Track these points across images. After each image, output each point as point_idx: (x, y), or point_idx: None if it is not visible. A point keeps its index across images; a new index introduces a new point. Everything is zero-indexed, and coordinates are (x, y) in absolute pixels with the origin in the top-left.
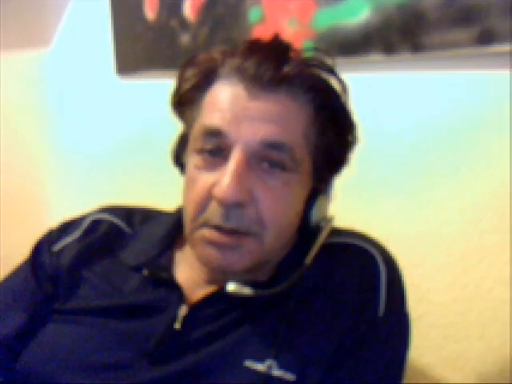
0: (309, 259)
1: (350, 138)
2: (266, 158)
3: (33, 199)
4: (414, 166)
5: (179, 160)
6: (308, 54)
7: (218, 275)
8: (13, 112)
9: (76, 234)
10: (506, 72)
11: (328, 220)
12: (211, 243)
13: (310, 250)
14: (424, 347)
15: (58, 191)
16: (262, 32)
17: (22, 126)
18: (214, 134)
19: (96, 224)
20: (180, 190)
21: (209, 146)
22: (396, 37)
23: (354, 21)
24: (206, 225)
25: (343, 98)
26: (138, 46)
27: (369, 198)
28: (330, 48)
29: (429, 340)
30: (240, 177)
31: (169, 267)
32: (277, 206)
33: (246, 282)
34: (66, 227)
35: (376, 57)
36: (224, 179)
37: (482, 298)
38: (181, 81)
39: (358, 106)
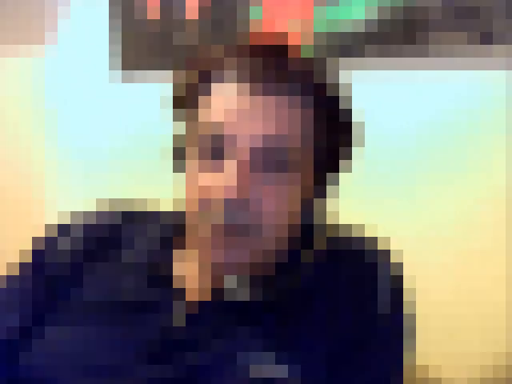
0: (309, 259)
1: (350, 138)
2: (266, 158)
3: (31, 199)
4: (415, 167)
5: (179, 160)
6: (308, 53)
7: (218, 275)
8: (11, 111)
9: (75, 234)
10: (501, 71)
11: (328, 219)
12: (211, 243)
13: (310, 250)
14: (424, 347)
15: (56, 191)
16: (261, 31)
17: (20, 126)
18: (213, 133)
19: (95, 224)
20: (179, 190)
21: (209, 145)
22: (396, 37)
23: (354, 20)
24: (205, 224)
25: (343, 98)
26: (138, 46)
27: (369, 198)
28: (330, 47)
29: (429, 340)
30: (240, 176)
31: (168, 267)
32: (277, 206)
33: (245, 282)
34: (66, 227)
35: (376, 56)
36: (224, 179)
37: (482, 297)
38: (180, 81)
39: (358, 106)
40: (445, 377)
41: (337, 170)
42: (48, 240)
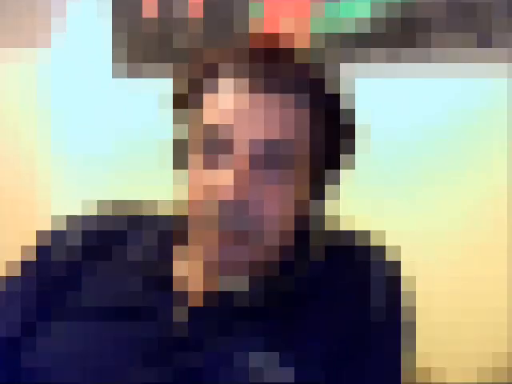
0: (309, 259)
1: (350, 137)
2: (267, 158)
3: (30, 199)
4: (415, 167)
5: (179, 160)
6: (307, 53)
7: (218, 275)
8: (10, 112)
9: (75, 236)
10: (502, 71)
11: (330, 220)
12: (211, 244)
13: (311, 251)
14: (424, 347)
15: (55, 192)
16: (261, 31)
17: (19, 126)
18: (213, 134)
19: (94, 226)
20: (178, 190)
21: (208, 146)
22: (395, 36)
23: (354, 20)
24: (196, 231)
25: (343, 97)
26: (137, 47)
27: (368, 198)
28: (330, 47)
29: (428, 340)
30: (240, 177)
31: (168, 268)
32: (278, 206)
33: (246, 282)
34: (66, 230)
35: (375, 56)
36: (224, 179)
37: (480, 297)
38: (180, 81)
39: (358, 106)
40: (443, 378)
41: (353, 167)
42: (49, 241)
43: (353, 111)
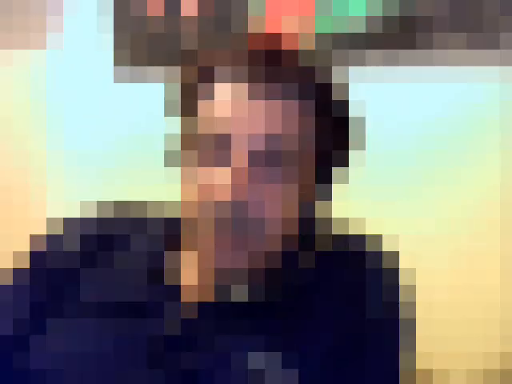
0: (310, 261)
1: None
2: (267, 154)
3: (29, 199)
4: (414, 167)
5: (178, 160)
6: (307, 52)
7: (218, 276)
8: (10, 111)
9: (73, 237)
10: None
11: (338, 222)
12: (206, 249)
13: (317, 257)
14: (422, 348)
15: (54, 192)
16: (262, 30)
17: (19, 126)
18: (209, 128)
19: (93, 227)
20: (178, 190)
21: (204, 141)
22: (394, 36)
23: (353, 20)
24: (200, 229)
25: (342, 96)
26: (137, 46)
27: (368, 198)
28: (329, 46)
29: (426, 341)
30: (239, 175)
31: (168, 268)
32: (280, 207)
33: (245, 292)
34: (64, 231)
35: (375, 57)
36: (221, 178)
37: (477, 298)
38: (179, 80)
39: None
40: (442, 379)
41: (362, 164)
42: (49, 242)
43: (362, 103)
